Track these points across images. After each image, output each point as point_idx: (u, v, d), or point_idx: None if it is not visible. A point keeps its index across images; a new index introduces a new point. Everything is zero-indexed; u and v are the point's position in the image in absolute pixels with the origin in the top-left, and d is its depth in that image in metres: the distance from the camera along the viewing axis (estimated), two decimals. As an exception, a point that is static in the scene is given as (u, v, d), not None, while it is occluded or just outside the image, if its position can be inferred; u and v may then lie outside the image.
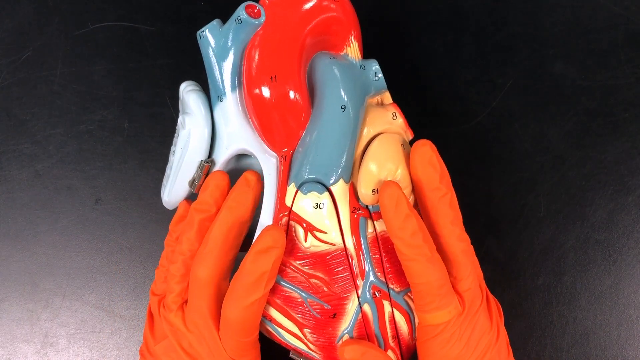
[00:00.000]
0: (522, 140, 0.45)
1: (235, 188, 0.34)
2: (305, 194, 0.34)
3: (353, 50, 0.36)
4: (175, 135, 0.37)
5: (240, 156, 0.37)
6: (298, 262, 0.34)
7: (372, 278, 0.34)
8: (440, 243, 0.34)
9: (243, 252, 0.33)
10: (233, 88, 0.35)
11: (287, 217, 0.34)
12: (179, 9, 0.47)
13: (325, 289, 0.34)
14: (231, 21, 0.34)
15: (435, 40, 0.46)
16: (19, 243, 0.45)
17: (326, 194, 0.34)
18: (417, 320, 0.35)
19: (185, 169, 0.36)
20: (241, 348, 0.33)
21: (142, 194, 0.45)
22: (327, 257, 0.34)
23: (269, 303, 0.35)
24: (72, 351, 0.44)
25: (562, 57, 0.46)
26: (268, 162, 0.35)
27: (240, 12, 0.34)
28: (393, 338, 0.35)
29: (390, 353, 0.35)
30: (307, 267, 0.34)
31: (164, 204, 0.38)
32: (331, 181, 0.34)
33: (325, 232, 0.34)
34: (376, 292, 0.34)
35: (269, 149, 0.35)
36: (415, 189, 0.34)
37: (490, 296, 0.36)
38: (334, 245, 0.34)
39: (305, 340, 0.35)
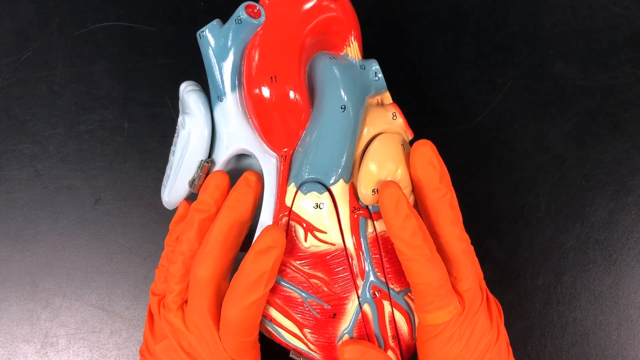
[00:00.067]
0: (522, 140, 0.45)
1: (236, 188, 0.34)
2: (305, 194, 0.34)
3: (353, 50, 0.36)
4: (175, 135, 0.37)
5: (240, 156, 0.37)
6: (298, 262, 0.34)
7: (372, 278, 0.34)
8: (440, 243, 0.34)
9: (243, 252, 0.33)
10: (233, 88, 0.35)
11: (287, 217, 0.34)
12: (179, 9, 0.47)
13: (325, 289, 0.34)
14: (231, 21, 0.34)
15: (435, 40, 0.46)
16: (19, 243, 0.45)
17: (326, 194, 0.34)
18: (417, 320, 0.35)
19: (185, 169, 0.36)
20: (241, 348, 0.33)
21: (142, 194, 0.45)
22: (327, 257, 0.34)
23: (269, 303, 0.35)
24: (72, 351, 0.44)
25: (562, 57, 0.46)
26: (268, 162, 0.35)
27: (240, 12, 0.34)
28: (393, 338, 0.35)
29: (390, 353, 0.35)
30: (307, 267, 0.34)
31: (164, 204, 0.38)
32: (331, 181, 0.34)
33: (325, 232, 0.34)
34: (376, 292, 0.34)
35: (269, 149, 0.35)
36: (415, 189, 0.34)
37: (490, 296, 0.36)
38: (334, 245, 0.34)
39: (305, 340, 0.35)
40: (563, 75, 0.46)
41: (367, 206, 0.35)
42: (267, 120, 0.34)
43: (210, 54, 0.35)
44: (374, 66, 0.37)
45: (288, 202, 0.34)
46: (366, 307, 0.34)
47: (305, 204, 0.34)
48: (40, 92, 0.46)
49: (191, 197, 0.37)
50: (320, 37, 0.35)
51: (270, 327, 0.35)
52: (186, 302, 0.34)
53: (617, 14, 0.46)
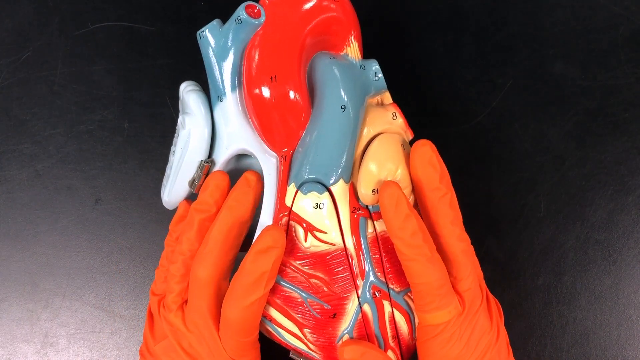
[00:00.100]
0: (522, 140, 0.45)
1: (236, 188, 0.34)
2: (305, 194, 0.34)
3: (353, 50, 0.36)
4: (175, 135, 0.37)
5: (240, 156, 0.37)
6: (298, 262, 0.34)
7: (372, 278, 0.34)
8: (440, 243, 0.34)
9: (243, 252, 0.33)
10: (233, 88, 0.35)
11: (287, 217, 0.34)
12: (179, 9, 0.47)
13: (325, 289, 0.34)
14: (231, 21, 0.34)
15: (435, 40, 0.46)
16: (19, 243, 0.45)
17: (326, 194, 0.34)
18: (417, 320, 0.35)
19: (185, 169, 0.36)
20: (241, 348, 0.33)
21: (142, 194, 0.45)
22: (327, 257, 0.34)
23: (269, 303, 0.35)
24: (72, 351, 0.44)
25: (562, 57, 0.46)
26: (268, 162, 0.35)
27: (240, 12, 0.34)
28: (393, 338, 0.35)
29: (390, 353, 0.35)
30: (307, 267, 0.34)
31: (164, 204, 0.38)
32: (331, 181, 0.34)
33: (325, 232, 0.34)
34: (376, 292, 0.34)
35: (269, 149, 0.35)
36: (415, 189, 0.34)
37: (490, 296, 0.36)
38: (334, 245, 0.34)
39: (305, 340, 0.35)
40: (563, 75, 0.46)
41: (367, 206, 0.35)
42: (267, 120, 0.34)
43: (210, 54, 0.35)
44: (374, 66, 0.37)
45: (288, 202, 0.34)
46: (366, 307, 0.34)
47: (305, 204, 0.34)
48: (40, 92, 0.46)
49: (191, 197, 0.37)
50: (320, 37, 0.35)
51: (270, 327, 0.35)
52: (186, 302, 0.34)
53: (617, 14, 0.46)
